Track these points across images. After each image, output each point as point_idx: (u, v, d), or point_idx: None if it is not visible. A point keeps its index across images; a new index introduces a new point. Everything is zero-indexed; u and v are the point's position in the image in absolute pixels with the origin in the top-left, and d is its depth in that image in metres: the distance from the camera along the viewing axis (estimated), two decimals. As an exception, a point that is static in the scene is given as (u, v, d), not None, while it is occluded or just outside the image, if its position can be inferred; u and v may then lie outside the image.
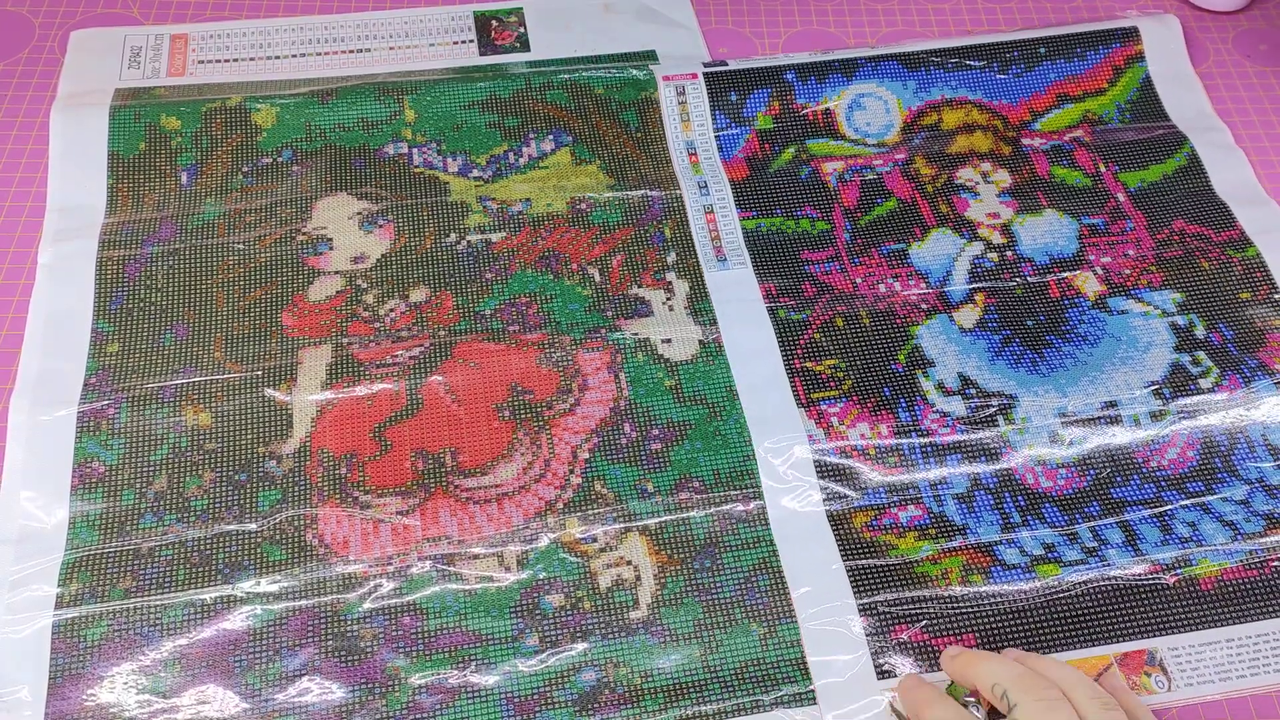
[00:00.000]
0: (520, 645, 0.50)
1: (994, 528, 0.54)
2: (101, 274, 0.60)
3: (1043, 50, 0.72)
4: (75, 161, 0.65)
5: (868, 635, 0.50)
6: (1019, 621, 0.51)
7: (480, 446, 0.56)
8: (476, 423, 0.56)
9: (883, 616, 0.51)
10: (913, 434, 0.57)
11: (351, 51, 0.72)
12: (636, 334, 0.60)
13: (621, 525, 0.53)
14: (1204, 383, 0.59)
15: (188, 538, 0.52)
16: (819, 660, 0.50)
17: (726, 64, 0.70)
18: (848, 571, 0.52)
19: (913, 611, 0.51)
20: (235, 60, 0.71)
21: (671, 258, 0.63)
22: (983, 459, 0.56)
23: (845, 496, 0.55)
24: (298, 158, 0.66)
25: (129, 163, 0.65)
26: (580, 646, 0.50)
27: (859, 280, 0.63)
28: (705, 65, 0.70)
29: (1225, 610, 0.51)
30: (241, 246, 0.62)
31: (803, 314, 0.61)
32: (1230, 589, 0.52)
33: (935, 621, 0.51)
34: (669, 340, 0.59)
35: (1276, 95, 0.73)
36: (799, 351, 0.60)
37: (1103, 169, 0.68)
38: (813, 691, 0.49)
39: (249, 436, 0.55)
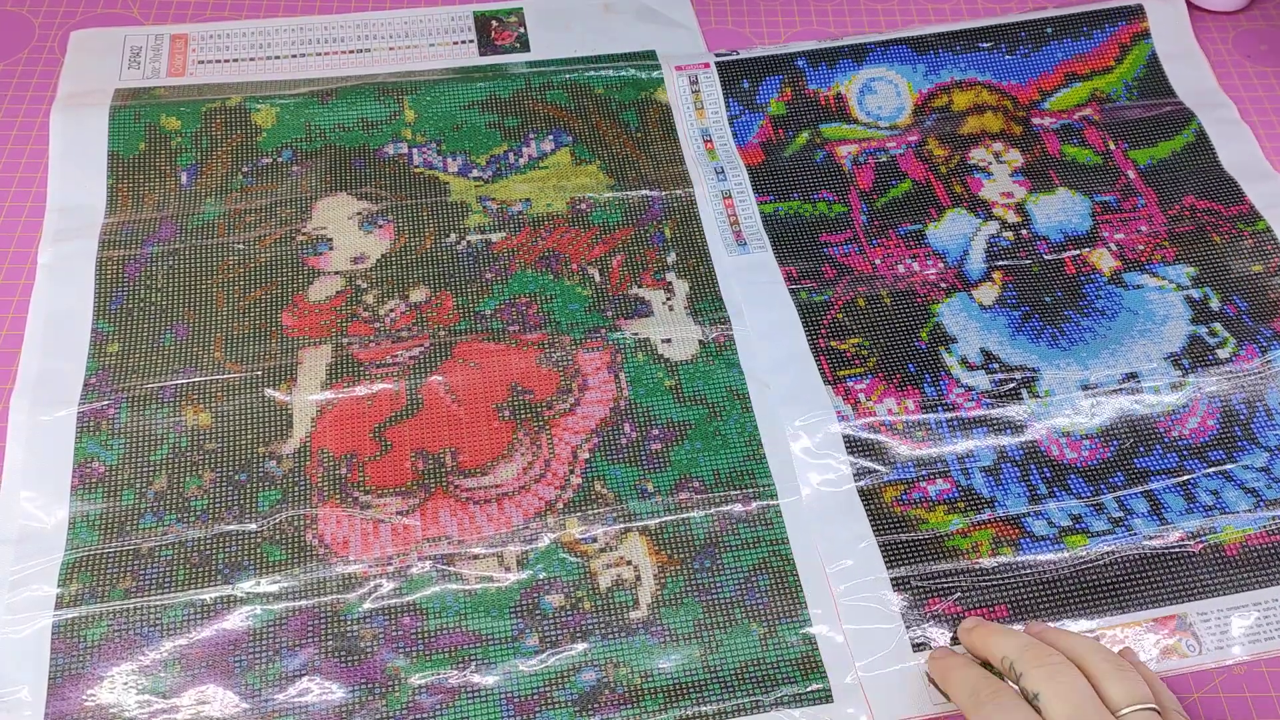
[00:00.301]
0: (520, 645, 0.50)
1: (1021, 500, 0.55)
2: (101, 274, 0.60)
3: (1049, 30, 0.73)
4: (75, 161, 0.65)
5: (902, 609, 0.51)
6: (1050, 592, 0.52)
7: (480, 446, 0.56)
8: (476, 423, 0.56)
9: (916, 590, 0.52)
10: (939, 408, 0.58)
11: (351, 52, 0.72)
12: (636, 334, 0.60)
13: (621, 525, 0.53)
14: (1222, 353, 0.60)
15: (188, 538, 0.52)
16: (856, 632, 0.50)
17: (738, 52, 0.71)
18: (880, 546, 0.53)
19: (945, 585, 0.52)
20: (235, 60, 0.71)
21: (671, 258, 0.63)
22: (1008, 432, 0.57)
23: (875, 471, 0.55)
24: (298, 158, 0.66)
25: (129, 163, 0.65)
26: (580, 646, 0.50)
27: (878, 261, 0.63)
28: (717, 55, 0.71)
29: (1251, 575, 0.52)
30: (241, 246, 0.62)
31: (824, 295, 0.62)
32: (1255, 554, 0.53)
33: (968, 594, 0.52)
34: (669, 340, 0.59)
35: (1277, 96, 0.73)
36: (823, 331, 0.60)
37: (1112, 147, 0.69)
38: (813, 692, 0.49)
39: (249, 436, 0.55)
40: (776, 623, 0.51)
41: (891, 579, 0.52)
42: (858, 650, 0.50)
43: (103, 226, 0.62)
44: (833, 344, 0.60)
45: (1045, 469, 0.56)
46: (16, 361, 0.57)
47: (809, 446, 0.56)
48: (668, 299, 0.61)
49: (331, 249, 0.62)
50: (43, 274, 0.60)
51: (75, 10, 0.74)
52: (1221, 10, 0.77)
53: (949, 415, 0.57)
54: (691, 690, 0.49)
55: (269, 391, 0.57)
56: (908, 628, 0.50)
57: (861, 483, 0.55)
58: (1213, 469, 0.56)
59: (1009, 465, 0.56)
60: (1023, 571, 0.52)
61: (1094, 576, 0.52)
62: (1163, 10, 0.74)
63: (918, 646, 0.50)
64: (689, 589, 0.52)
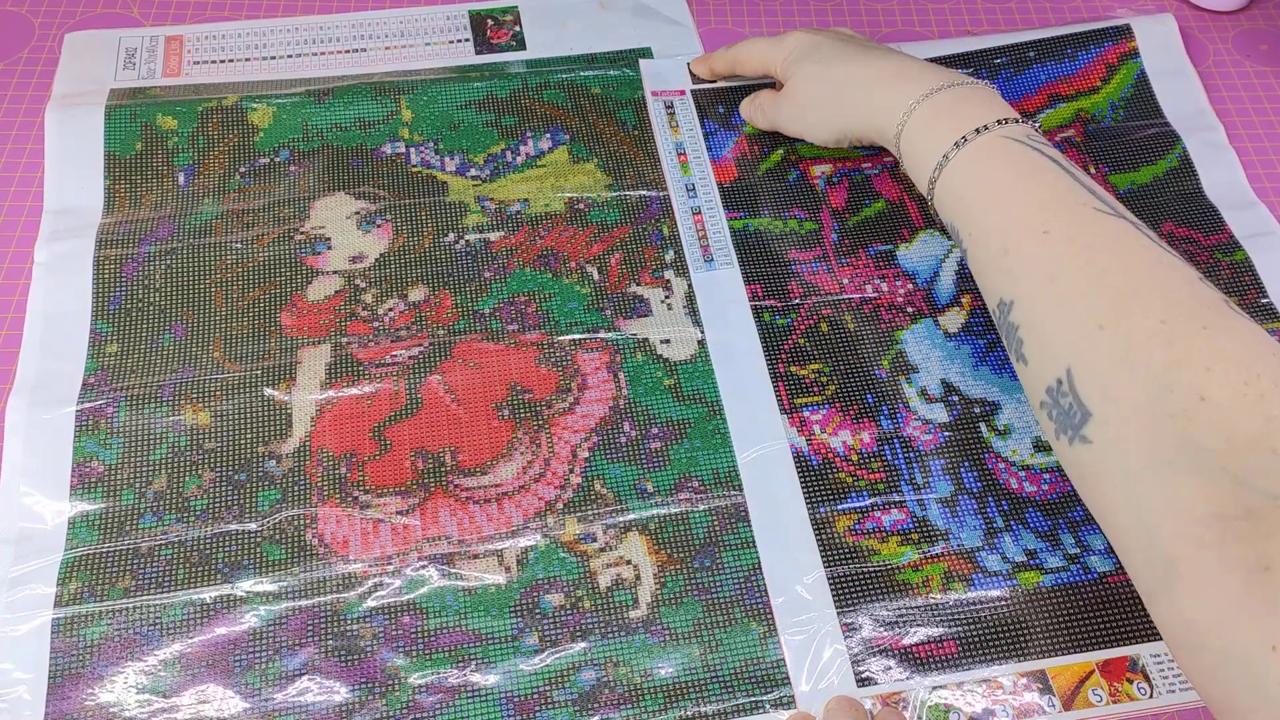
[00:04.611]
0: (520, 645, 0.50)
1: (977, 533, 0.54)
2: (99, 274, 0.60)
3: (1032, 54, 0.72)
4: (72, 162, 0.65)
5: (848, 642, 0.50)
6: (1000, 629, 0.51)
7: (480, 446, 0.56)
8: (476, 422, 0.56)
9: (864, 623, 0.51)
10: (895, 440, 0.57)
11: (347, 51, 0.72)
12: (635, 333, 0.60)
13: (621, 525, 0.53)
14: None
15: (187, 537, 0.52)
16: (799, 666, 0.50)
17: (715, 81, 0.71)
18: (829, 579, 0.52)
19: (894, 619, 0.51)
20: (231, 61, 0.71)
21: (670, 256, 0.63)
22: (965, 464, 0.56)
23: (827, 502, 0.55)
24: (295, 158, 0.66)
25: (126, 163, 0.65)
26: (580, 646, 0.50)
27: (846, 280, 0.62)
28: (694, 82, 0.71)
29: None
30: (239, 246, 0.62)
31: (788, 318, 0.61)
32: None
33: (916, 629, 0.51)
34: (667, 340, 0.59)
35: (1276, 95, 0.73)
36: (783, 356, 0.59)
37: (1093, 171, 0.68)
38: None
39: (248, 436, 0.55)
40: (776, 622, 0.51)
41: (840, 612, 0.51)
42: (799, 679, 0.49)
43: (100, 226, 0.62)
44: (792, 369, 0.59)
45: (1003, 502, 0.55)
46: (15, 361, 0.57)
47: (760, 476, 0.55)
48: (666, 297, 0.61)
49: (330, 248, 0.62)
50: (40, 274, 0.60)
51: (75, 10, 0.73)
52: (1221, 10, 0.77)
53: (905, 447, 0.56)
54: (691, 690, 0.49)
55: (268, 391, 0.57)
56: (853, 661, 0.50)
57: (813, 513, 0.54)
58: None
59: (966, 497, 0.55)
60: (973, 608, 0.52)
61: (1046, 615, 0.51)
62: (1152, 29, 0.73)
63: (862, 681, 0.49)
64: (689, 588, 0.52)
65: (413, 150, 0.67)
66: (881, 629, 0.51)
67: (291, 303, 0.60)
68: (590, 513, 0.54)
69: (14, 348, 0.58)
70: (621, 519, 0.54)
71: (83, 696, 0.48)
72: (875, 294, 0.62)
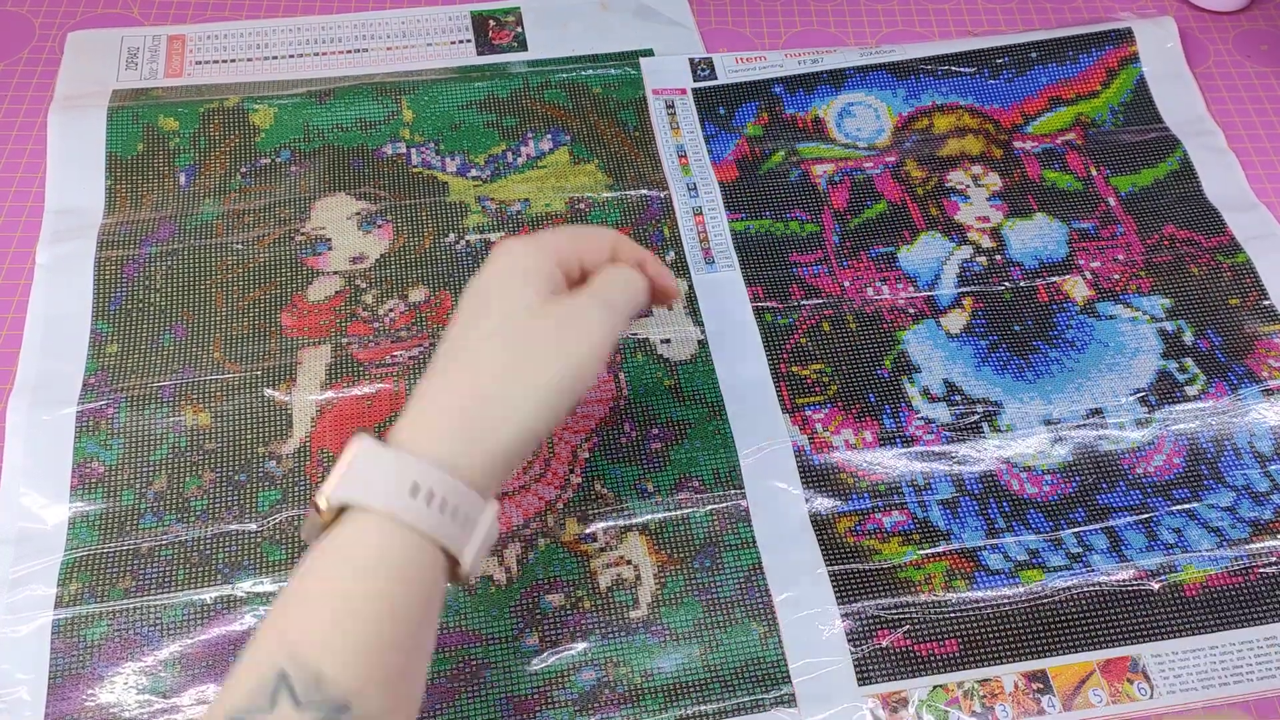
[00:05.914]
0: (520, 645, 0.50)
1: (978, 533, 0.54)
2: (100, 274, 0.60)
3: (1034, 55, 0.72)
4: (73, 162, 0.65)
5: (849, 640, 0.50)
6: (1002, 628, 0.51)
7: (480, 446, 0.56)
8: (476, 422, 0.56)
9: (865, 621, 0.51)
10: (897, 440, 0.57)
11: (349, 52, 0.72)
12: (635, 334, 0.60)
13: (621, 525, 0.53)
14: (1190, 390, 0.58)
15: (188, 538, 0.52)
16: (800, 664, 0.50)
17: (716, 78, 0.71)
18: (830, 577, 0.52)
19: (895, 617, 0.51)
20: (233, 61, 0.71)
21: (670, 257, 0.63)
22: (968, 465, 0.56)
23: (829, 502, 0.55)
24: (296, 158, 0.66)
25: (127, 164, 0.65)
26: (580, 646, 0.50)
27: (847, 283, 0.62)
28: (695, 80, 0.71)
29: (1209, 617, 0.51)
30: (240, 247, 0.62)
31: (789, 318, 0.61)
32: (1214, 596, 0.52)
33: (918, 627, 0.51)
34: (668, 340, 0.59)
35: (1276, 96, 0.73)
36: (785, 356, 0.59)
37: (1094, 173, 0.68)
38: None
39: (249, 436, 0.55)
40: (777, 621, 0.51)
41: (841, 610, 0.51)
42: (800, 677, 0.50)
43: (101, 227, 0.62)
44: (794, 369, 0.59)
45: (1004, 503, 0.55)
46: (15, 362, 0.57)
47: (761, 475, 0.55)
48: (667, 298, 0.61)
49: (330, 249, 0.62)
50: (41, 275, 0.60)
51: (75, 10, 0.74)
52: (1221, 10, 0.77)
53: (907, 448, 0.56)
54: (691, 690, 0.49)
55: (268, 391, 0.57)
56: (855, 660, 0.50)
57: (815, 512, 0.54)
58: (1177, 507, 0.55)
59: (967, 499, 0.55)
60: (975, 605, 0.52)
61: (1048, 613, 0.51)
62: (1153, 34, 0.73)
63: (864, 679, 0.49)
64: (689, 588, 0.52)
65: (414, 151, 0.67)
66: (882, 627, 0.51)
67: (292, 303, 0.60)
68: (590, 513, 0.54)
69: (14, 348, 0.58)
70: (622, 519, 0.54)
71: (83, 697, 0.48)
72: (876, 296, 0.62)
